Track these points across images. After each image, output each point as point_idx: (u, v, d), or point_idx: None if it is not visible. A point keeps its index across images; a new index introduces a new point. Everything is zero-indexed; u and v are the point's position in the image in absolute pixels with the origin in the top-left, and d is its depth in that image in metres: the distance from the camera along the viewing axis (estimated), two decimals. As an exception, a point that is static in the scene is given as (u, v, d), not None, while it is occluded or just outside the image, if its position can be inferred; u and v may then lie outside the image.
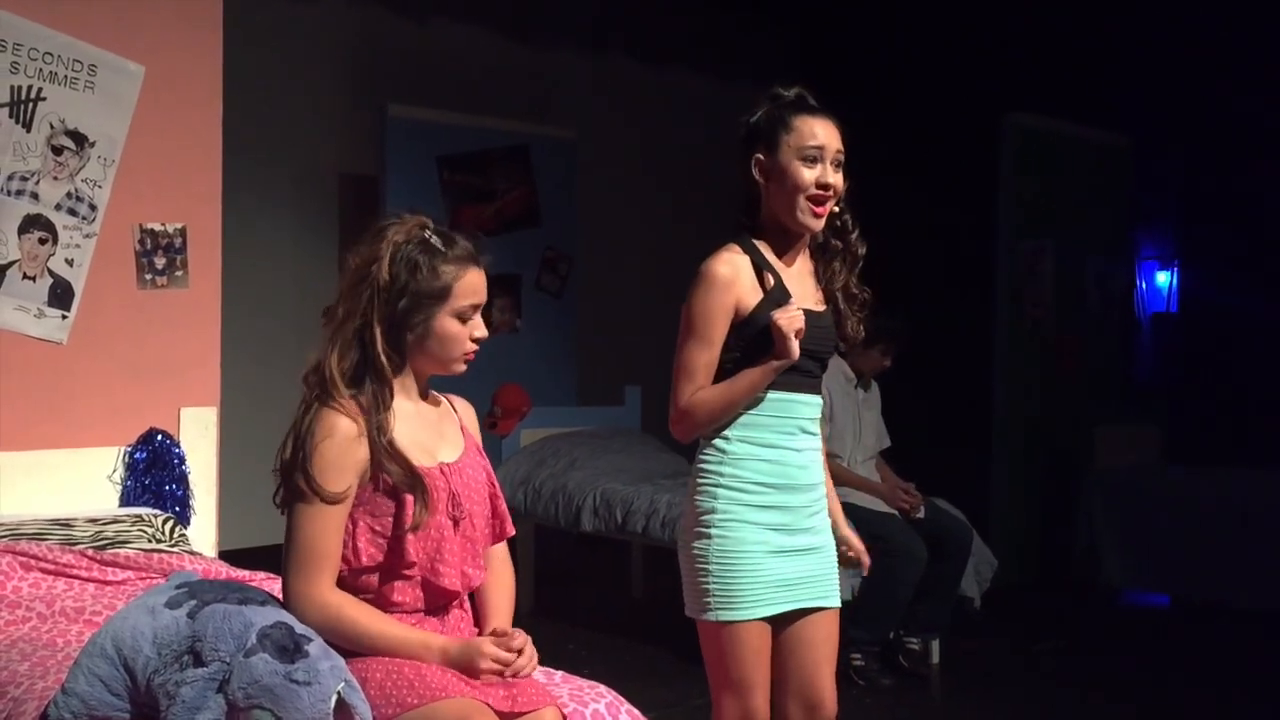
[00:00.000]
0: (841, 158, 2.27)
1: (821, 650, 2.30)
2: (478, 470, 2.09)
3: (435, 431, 2.05)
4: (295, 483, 1.90)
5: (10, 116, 3.50)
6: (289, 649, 1.71)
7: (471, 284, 2.02)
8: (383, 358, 1.94)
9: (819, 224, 2.26)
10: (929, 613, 4.48)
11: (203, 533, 3.57)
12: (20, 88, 3.51)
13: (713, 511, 2.23)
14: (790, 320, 2.16)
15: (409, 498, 1.92)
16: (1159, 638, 5.32)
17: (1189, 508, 5.83)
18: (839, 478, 4.48)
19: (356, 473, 1.92)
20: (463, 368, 2.05)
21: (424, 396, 2.08)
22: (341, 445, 1.90)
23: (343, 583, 1.94)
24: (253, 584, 2.88)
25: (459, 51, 6.69)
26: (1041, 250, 6.34)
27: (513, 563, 5.45)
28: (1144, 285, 7.45)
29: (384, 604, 1.95)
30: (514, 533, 2.16)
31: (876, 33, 7.35)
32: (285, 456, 1.93)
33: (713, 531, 2.22)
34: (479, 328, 2.05)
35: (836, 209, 2.32)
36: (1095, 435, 6.33)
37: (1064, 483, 6.26)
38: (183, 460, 3.51)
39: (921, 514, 4.49)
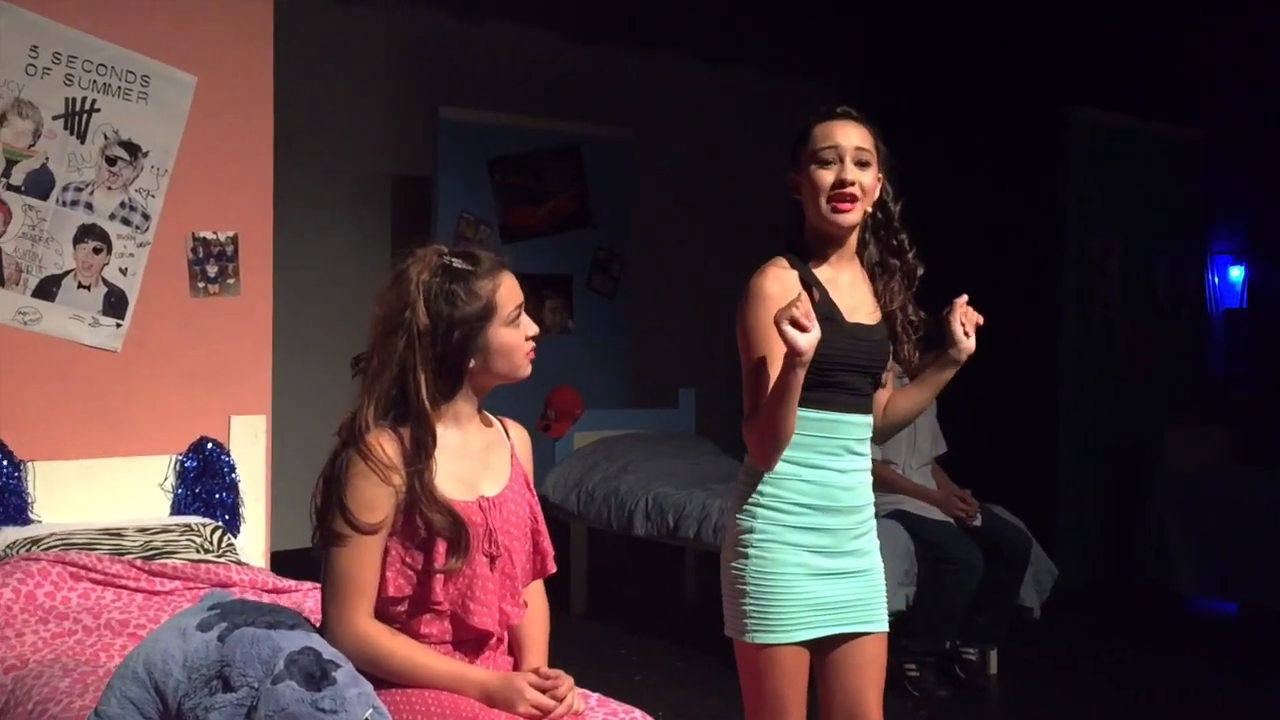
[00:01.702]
0: (865, 156, 2.21)
1: (866, 675, 2.24)
2: (520, 504, 2.04)
3: (480, 462, 2.01)
4: (331, 520, 1.88)
5: (65, 128, 3.54)
6: (316, 676, 1.70)
7: (509, 289, 2.00)
8: (425, 403, 1.91)
9: (848, 219, 2.21)
10: (986, 622, 4.39)
11: (253, 540, 3.59)
12: (75, 99, 3.56)
13: (751, 531, 2.18)
14: (782, 312, 1.98)
15: (442, 542, 1.89)
16: (1228, 645, 5.17)
17: (1260, 510, 5.66)
18: (893, 485, 4.42)
19: (392, 504, 1.90)
20: (529, 369, 2.03)
21: (480, 414, 2.05)
22: (378, 483, 1.87)
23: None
24: (297, 593, 2.90)
25: (511, 52, 6.69)
26: (1110, 247, 6.20)
27: (566, 564, 5.37)
28: (1216, 280, 7.26)
29: (412, 636, 1.93)
30: (555, 570, 2.11)
31: (940, 27, 7.22)
32: (319, 503, 1.92)
33: (751, 552, 2.18)
34: (530, 326, 2.02)
35: (895, 226, 2.28)
36: (1164, 435, 6.17)
37: (1131, 484, 6.12)
38: (233, 468, 3.53)
39: (978, 522, 4.40)
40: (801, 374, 2.04)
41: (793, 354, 2.01)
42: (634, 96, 7.07)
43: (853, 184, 2.19)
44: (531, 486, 2.10)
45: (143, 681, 1.82)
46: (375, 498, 1.88)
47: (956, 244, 5.90)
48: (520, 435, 2.13)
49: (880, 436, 2.40)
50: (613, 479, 5.26)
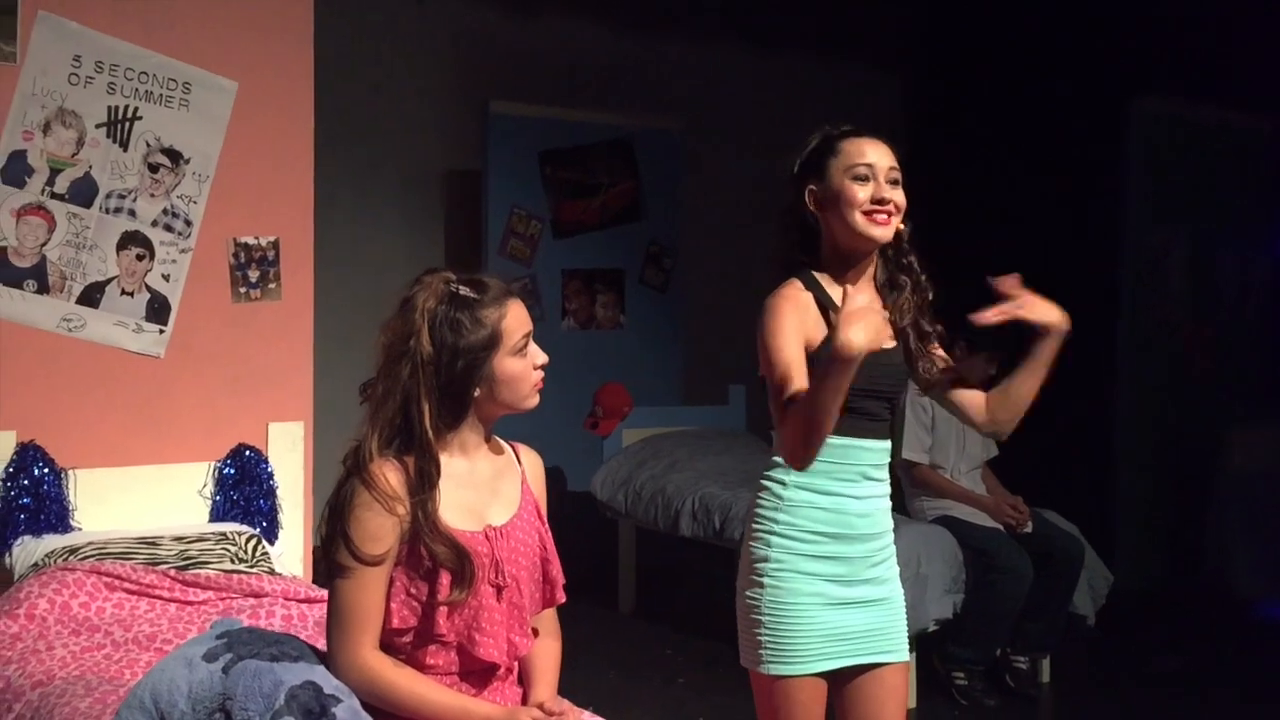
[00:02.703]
0: (897, 176, 2.17)
1: (886, 707, 2.19)
2: (529, 533, 2.01)
3: (488, 490, 1.99)
4: (335, 551, 1.87)
5: (108, 136, 3.59)
6: (315, 712, 1.69)
7: (517, 317, 1.97)
8: (429, 432, 1.89)
9: (883, 232, 2.16)
10: (1038, 631, 4.29)
11: (291, 547, 3.62)
12: (117, 107, 3.60)
13: (766, 560, 2.14)
14: (858, 308, 1.92)
15: (446, 574, 1.87)
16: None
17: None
18: (941, 489, 4.33)
19: (397, 535, 1.88)
20: (536, 399, 2.00)
21: (488, 441, 2.02)
22: (381, 514, 1.86)
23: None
24: (325, 605, 2.91)
25: (561, 46, 6.63)
26: (1171, 241, 6.02)
27: (614, 562, 5.28)
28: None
29: (417, 667, 1.91)
30: (564, 600, 2.07)
31: (999, 14, 7.03)
32: (323, 533, 1.91)
33: (766, 581, 2.13)
34: (538, 355, 1.99)
35: (904, 246, 2.22)
36: (1229, 434, 5.98)
37: (1194, 486, 5.95)
38: (271, 475, 3.56)
39: (1028, 529, 4.30)
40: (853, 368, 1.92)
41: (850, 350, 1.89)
42: (686, 87, 6.97)
43: (889, 201, 2.15)
44: (543, 514, 2.06)
45: (149, 711, 1.83)
46: (379, 528, 1.86)
47: (1012, 237, 5.74)
48: (533, 462, 2.10)
49: (1003, 427, 2.25)
50: (660, 477, 5.22)
